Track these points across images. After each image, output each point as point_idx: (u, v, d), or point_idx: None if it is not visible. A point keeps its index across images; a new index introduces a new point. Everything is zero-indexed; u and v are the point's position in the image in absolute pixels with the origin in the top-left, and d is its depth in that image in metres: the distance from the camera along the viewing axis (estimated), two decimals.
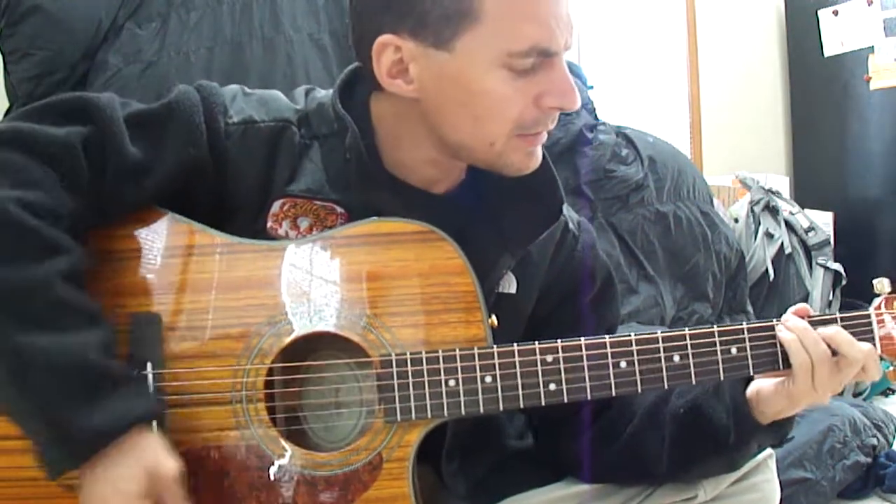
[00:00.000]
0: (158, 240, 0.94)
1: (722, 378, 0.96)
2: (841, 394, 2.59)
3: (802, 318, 0.97)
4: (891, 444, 2.25)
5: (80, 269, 0.87)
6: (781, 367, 0.96)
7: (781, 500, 1.10)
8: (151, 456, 0.84)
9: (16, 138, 0.88)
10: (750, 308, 2.59)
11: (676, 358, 0.95)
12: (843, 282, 2.86)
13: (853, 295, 1.02)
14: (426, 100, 0.94)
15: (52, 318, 0.83)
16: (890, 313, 0.99)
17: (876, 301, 1.00)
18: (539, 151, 0.98)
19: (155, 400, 0.88)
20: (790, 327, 0.95)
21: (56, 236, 0.85)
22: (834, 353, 0.93)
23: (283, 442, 0.92)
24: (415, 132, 0.98)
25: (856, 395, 2.71)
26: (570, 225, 1.12)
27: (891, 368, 1.00)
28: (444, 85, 0.92)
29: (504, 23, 0.89)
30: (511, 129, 0.93)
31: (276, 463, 0.91)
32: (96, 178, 0.90)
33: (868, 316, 0.98)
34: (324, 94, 1.04)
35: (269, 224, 0.97)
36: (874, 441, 2.17)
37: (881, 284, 1.01)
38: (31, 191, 0.85)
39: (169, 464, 0.84)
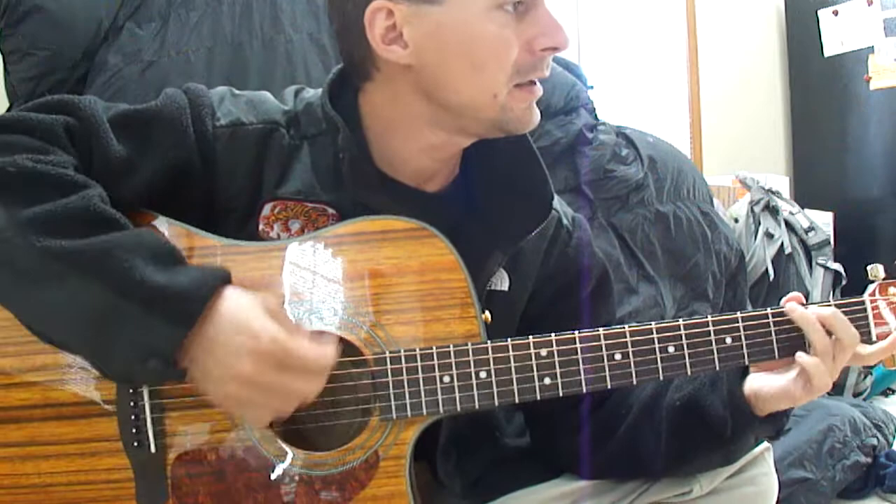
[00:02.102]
0: None
1: (717, 368, 0.96)
2: (841, 394, 2.59)
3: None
4: (891, 444, 2.25)
5: (108, 199, 0.87)
6: (777, 356, 0.96)
7: (781, 500, 1.10)
8: (250, 296, 0.83)
9: (12, 124, 0.89)
10: (750, 308, 2.58)
11: (671, 349, 0.95)
12: (843, 282, 2.85)
13: (853, 295, 1.02)
14: (423, 63, 0.93)
15: (104, 226, 0.83)
16: (884, 299, 0.99)
17: (870, 287, 1.01)
18: (536, 107, 0.98)
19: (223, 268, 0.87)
20: (798, 316, 0.96)
21: (77, 176, 0.87)
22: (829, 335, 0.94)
23: (279, 442, 0.92)
24: (411, 114, 0.97)
25: (856, 395, 2.70)
26: (564, 221, 1.12)
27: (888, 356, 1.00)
28: (440, 39, 0.92)
29: None
30: (509, 75, 0.93)
31: (274, 463, 0.91)
32: (85, 165, 0.90)
33: (863, 302, 0.99)
34: (312, 93, 1.04)
35: (260, 227, 0.97)
36: (874, 441, 2.17)
37: (875, 270, 1.01)
38: (38, 153, 0.86)
39: (268, 297, 0.85)
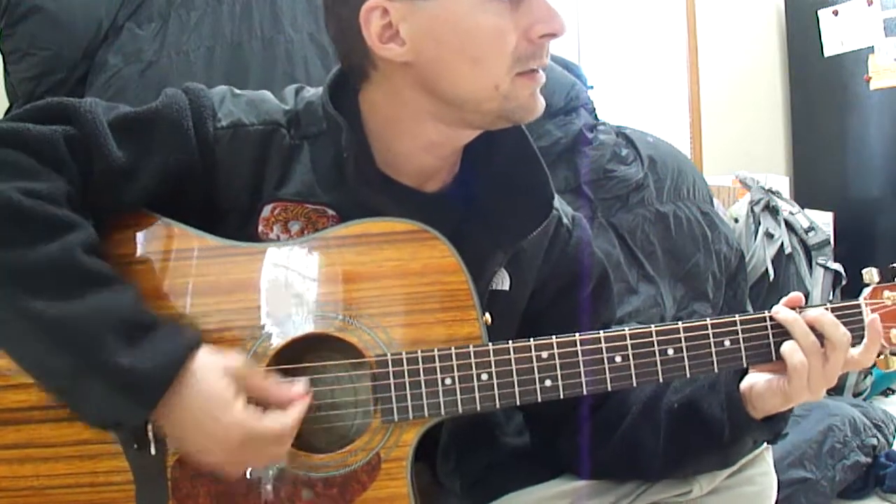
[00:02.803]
0: (151, 245, 0.93)
1: (716, 370, 0.96)
2: (841, 394, 2.59)
3: (794, 307, 0.97)
4: (891, 444, 2.25)
5: (95, 241, 0.87)
6: (775, 358, 0.96)
7: (781, 499, 1.10)
8: (219, 363, 0.86)
9: (5, 137, 0.88)
10: (750, 308, 2.58)
11: (670, 351, 0.95)
12: (843, 282, 2.85)
13: (853, 295, 1.02)
14: (421, 59, 0.93)
15: (80, 285, 0.83)
16: (878, 302, 0.99)
17: (865, 291, 1.01)
18: (540, 94, 0.97)
19: (189, 327, 0.89)
20: (782, 318, 0.96)
21: (65, 215, 0.86)
22: (820, 338, 0.94)
23: None
24: (412, 110, 0.97)
25: (856, 395, 2.70)
26: (564, 220, 1.12)
27: (882, 357, 1.00)
28: (436, 34, 0.91)
29: None
30: (509, 64, 0.92)
31: (275, 465, 0.91)
32: (84, 176, 0.90)
33: (858, 305, 0.99)
34: (313, 92, 1.04)
35: (260, 228, 0.97)
36: (874, 441, 2.17)
37: (870, 274, 1.02)
38: (29, 181, 0.85)
39: (236, 359, 0.87)
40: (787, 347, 0.94)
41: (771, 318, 0.97)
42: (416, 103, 0.96)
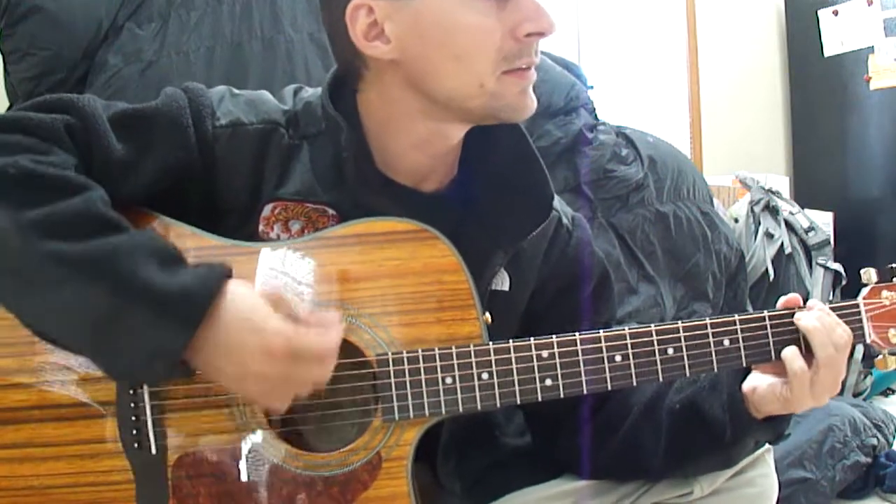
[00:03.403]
0: None
1: (716, 369, 0.97)
2: (841, 394, 2.59)
3: (792, 307, 0.97)
4: (891, 444, 2.25)
5: (109, 201, 0.87)
6: (774, 357, 0.96)
7: (781, 499, 1.10)
8: (253, 289, 0.85)
9: (12, 124, 0.88)
10: (750, 308, 2.58)
11: (670, 350, 0.96)
12: (843, 282, 2.85)
13: (853, 295, 1.02)
14: (407, 57, 0.93)
15: (107, 228, 0.83)
16: (877, 302, 1.00)
17: (864, 291, 1.01)
18: (531, 95, 0.96)
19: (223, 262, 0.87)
20: (802, 326, 0.96)
21: (79, 177, 0.86)
22: None
23: (281, 443, 0.92)
24: (402, 109, 0.97)
25: (856, 395, 2.70)
26: (564, 220, 1.12)
27: (880, 357, 1.00)
28: (422, 32, 0.91)
29: None
30: (495, 63, 0.91)
31: (275, 464, 0.91)
32: (84, 164, 0.90)
33: (857, 305, 0.99)
34: (311, 92, 1.04)
35: (260, 227, 0.97)
36: (874, 441, 2.17)
37: (868, 274, 1.02)
38: (39, 154, 0.86)
39: (271, 288, 0.87)
40: (788, 353, 0.94)
41: (770, 318, 0.97)
42: (406, 101, 0.96)
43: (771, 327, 0.97)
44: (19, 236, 0.80)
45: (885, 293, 1.01)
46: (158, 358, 0.81)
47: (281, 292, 0.87)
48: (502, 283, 1.05)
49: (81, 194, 0.84)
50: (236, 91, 1.03)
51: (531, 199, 1.04)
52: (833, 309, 0.98)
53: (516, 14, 0.91)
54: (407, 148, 0.99)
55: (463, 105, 0.94)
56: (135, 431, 0.89)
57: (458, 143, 1.02)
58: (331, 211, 0.98)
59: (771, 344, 0.97)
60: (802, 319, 0.96)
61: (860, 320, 1.00)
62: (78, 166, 0.88)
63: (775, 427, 1.00)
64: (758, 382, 0.98)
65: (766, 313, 0.97)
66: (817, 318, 0.95)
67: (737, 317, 0.97)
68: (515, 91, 0.94)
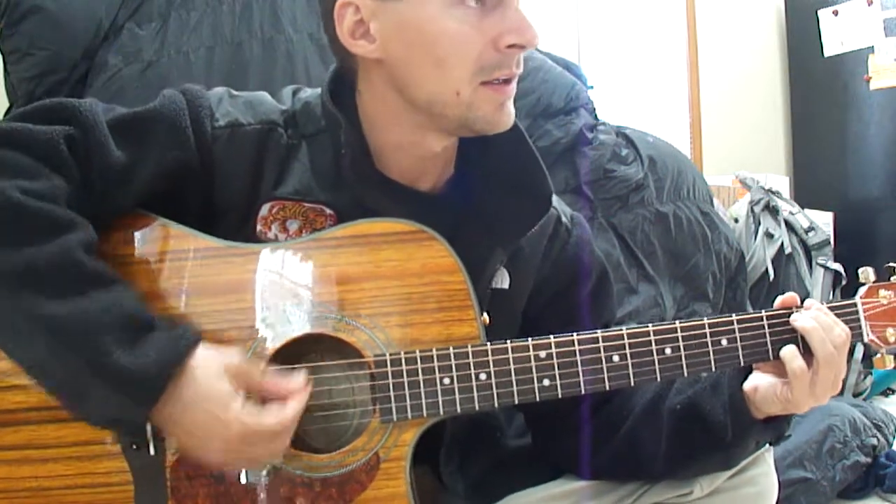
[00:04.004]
0: (148, 245, 0.93)
1: (714, 369, 0.97)
2: (841, 394, 2.59)
3: (790, 307, 0.97)
4: (891, 444, 2.25)
5: (93, 241, 0.88)
6: (772, 357, 0.96)
7: (781, 499, 1.10)
8: (217, 360, 0.86)
9: (5, 138, 0.88)
10: (750, 308, 2.58)
11: (668, 350, 0.96)
12: (843, 282, 2.85)
13: (853, 295, 1.02)
14: (390, 58, 0.94)
15: (79, 284, 0.84)
16: (874, 301, 1.00)
17: (862, 290, 1.02)
18: (511, 108, 0.96)
19: (188, 326, 0.89)
20: (799, 326, 0.96)
21: (65, 214, 0.86)
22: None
23: None
24: (390, 108, 0.97)
25: (856, 395, 2.70)
26: (563, 219, 1.12)
27: (878, 356, 1.00)
28: (404, 34, 0.92)
29: None
30: (473, 72, 0.92)
31: (273, 465, 0.91)
32: (84, 176, 0.90)
33: (854, 304, 0.99)
34: (310, 93, 1.04)
35: (258, 227, 0.97)
36: (874, 441, 2.17)
37: (866, 273, 1.02)
38: (29, 180, 0.86)
39: (232, 356, 0.88)
40: (787, 353, 0.94)
41: (768, 318, 0.97)
42: (390, 102, 0.97)
43: (769, 327, 0.97)
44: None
45: (882, 292, 1.01)
46: (122, 423, 0.86)
47: (240, 362, 0.88)
48: (502, 281, 1.05)
49: (64, 236, 0.84)
50: (235, 92, 1.03)
51: (529, 195, 1.04)
52: (831, 308, 0.98)
53: (500, 24, 0.91)
54: (393, 147, 1.00)
55: (442, 111, 0.94)
56: (134, 431, 0.89)
57: (443, 151, 1.01)
58: (328, 210, 0.98)
59: (769, 343, 0.97)
60: (799, 320, 0.96)
61: (858, 319, 1.00)
62: (70, 193, 0.88)
63: (776, 428, 1.00)
64: (759, 382, 0.98)
65: (763, 313, 0.97)
66: (814, 317, 0.95)
67: (734, 316, 0.97)
68: (492, 104, 0.94)
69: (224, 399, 0.84)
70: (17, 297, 0.82)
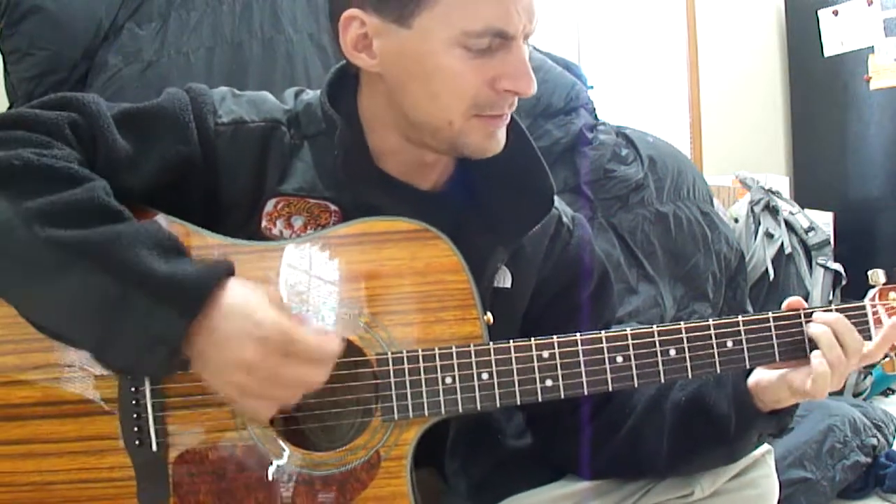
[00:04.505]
0: None
1: (718, 371, 0.97)
2: (841, 393, 2.59)
3: (797, 309, 0.97)
4: (891, 444, 2.25)
5: (111, 193, 0.87)
6: (778, 359, 0.96)
7: (781, 499, 1.10)
8: (254, 287, 0.84)
9: (15, 121, 0.89)
10: (750, 308, 2.58)
11: (672, 352, 0.95)
12: (843, 282, 2.85)
13: (853, 295, 1.03)
14: (388, 76, 0.95)
15: (109, 217, 0.84)
16: (884, 304, 0.99)
17: (871, 293, 1.01)
18: (501, 135, 0.98)
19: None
20: (812, 332, 0.96)
21: (82, 169, 0.87)
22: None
23: (280, 442, 0.92)
24: (386, 114, 0.99)
25: (856, 395, 2.70)
26: (564, 219, 1.12)
27: (888, 360, 1.00)
28: (404, 61, 0.93)
29: (461, 2, 0.90)
30: (466, 107, 0.93)
31: (274, 463, 0.91)
32: (89, 160, 0.90)
33: (863, 307, 0.99)
34: (312, 94, 1.05)
35: (263, 223, 0.98)
36: (874, 441, 2.17)
37: (876, 276, 1.01)
38: (42, 148, 0.87)
39: (272, 289, 0.86)
40: (816, 363, 0.94)
41: (774, 319, 0.97)
42: (389, 111, 0.98)
43: (775, 329, 0.97)
44: (22, 225, 0.80)
45: (893, 295, 1.00)
46: (159, 344, 0.80)
47: (284, 295, 0.86)
48: (504, 280, 1.05)
49: (84, 185, 0.85)
50: (238, 92, 1.04)
51: (531, 194, 1.04)
52: (839, 311, 0.97)
53: (500, 67, 0.92)
54: (392, 149, 1.01)
55: (434, 134, 0.96)
56: (136, 428, 0.89)
57: (433, 162, 1.02)
58: (333, 207, 0.99)
59: (775, 346, 0.97)
60: (812, 327, 0.96)
61: (867, 322, 0.99)
62: (81, 161, 0.89)
63: (779, 420, 1.00)
64: (761, 376, 0.98)
65: (770, 314, 0.97)
66: (831, 321, 0.95)
67: (740, 318, 0.97)
68: (482, 133, 0.96)
69: (263, 305, 0.82)
70: (45, 232, 0.80)
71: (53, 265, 0.80)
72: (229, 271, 0.84)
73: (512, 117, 1.01)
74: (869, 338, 0.98)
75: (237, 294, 0.82)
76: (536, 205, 1.05)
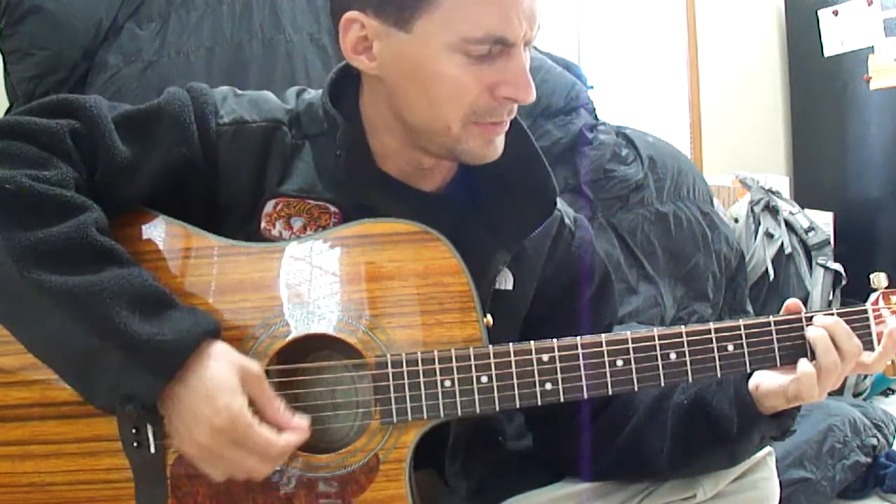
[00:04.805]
0: (152, 243, 0.94)
1: (719, 375, 0.96)
2: (841, 393, 2.59)
3: (797, 313, 0.97)
4: (891, 444, 2.24)
5: (105, 223, 0.88)
6: (779, 364, 0.96)
7: (781, 499, 1.10)
8: (235, 356, 0.85)
9: (12, 129, 0.89)
10: (750, 308, 2.59)
11: (673, 356, 0.95)
12: (843, 282, 2.85)
13: (853, 295, 1.01)
14: (387, 79, 0.95)
15: (96, 260, 0.84)
16: (888, 308, 0.99)
17: (873, 296, 1.01)
18: (500, 141, 0.98)
19: (210, 315, 0.88)
20: (810, 336, 0.96)
21: (75, 197, 0.87)
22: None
23: None
24: (386, 116, 0.99)
25: (856, 395, 2.70)
26: (566, 220, 1.12)
27: (889, 364, 1.00)
28: (402, 65, 0.93)
29: (461, 8, 0.89)
30: (465, 114, 0.93)
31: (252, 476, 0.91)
32: (89, 171, 0.91)
33: (865, 311, 0.98)
34: (314, 94, 1.05)
35: (262, 224, 0.98)
36: (874, 441, 2.17)
37: (878, 279, 1.01)
38: (38, 169, 0.86)
39: (253, 364, 0.86)
40: (803, 365, 0.94)
41: (775, 323, 0.97)
42: (389, 114, 0.98)
43: (776, 333, 0.97)
44: (11, 259, 0.82)
45: (894, 298, 1.00)
46: (131, 402, 0.83)
47: (259, 373, 0.86)
48: (506, 282, 1.05)
49: (76, 217, 0.85)
50: (239, 91, 1.04)
51: (534, 196, 1.04)
52: (840, 314, 0.97)
53: (500, 74, 0.92)
54: (393, 150, 1.01)
55: (432, 139, 0.96)
56: (134, 430, 0.89)
57: (434, 164, 1.02)
58: (333, 208, 0.99)
59: (776, 350, 0.96)
60: (810, 330, 0.96)
61: (868, 326, 0.99)
62: (79, 179, 0.89)
63: (781, 422, 1.00)
64: (761, 380, 0.98)
65: (771, 319, 0.97)
66: (829, 325, 0.95)
67: (742, 322, 0.96)
68: (480, 140, 0.96)
69: (227, 390, 0.83)
70: (30, 272, 0.81)
71: (35, 307, 0.83)
72: (211, 331, 0.85)
73: (514, 119, 1.01)
74: (870, 342, 0.98)
75: (209, 368, 0.83)
76: (539, 207, 1.05)
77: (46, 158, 0.88)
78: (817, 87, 3.89)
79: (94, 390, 0.85)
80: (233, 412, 0.82)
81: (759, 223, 2.84)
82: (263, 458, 0.84)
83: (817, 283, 2.84)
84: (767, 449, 1.07)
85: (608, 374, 0.94)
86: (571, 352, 0.94)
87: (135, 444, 0.89)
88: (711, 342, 0.96)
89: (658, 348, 0.95)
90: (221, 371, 0.83)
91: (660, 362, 0.95)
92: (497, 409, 0.93)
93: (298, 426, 0.86)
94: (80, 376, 0.85)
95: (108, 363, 0.82)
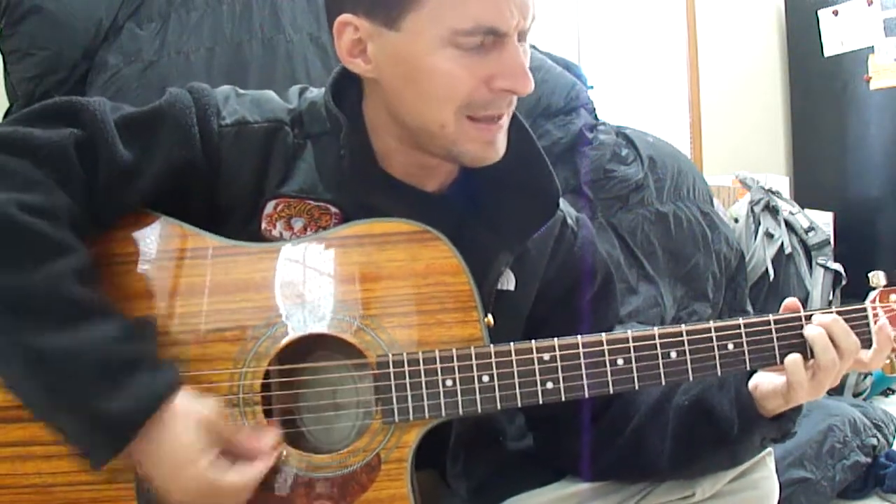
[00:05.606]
0: (152, 244, 0.94)
1: (719, 373, 0.96)
2: (841, 393, 2.59)
3: (796, 311, 0.97)
4: (891, 444, 2.25)
5: (87, 265, 0.87)
6: (778, 362, 0.96)
7: (781, 500, 1.10)
8: (193, 412, 0.86)
9: (9, 142, 0.88)
10: (750, 308, 2.58)
11: (673, 354, 0.95)
12: (843, 282, 2.85)
13: (853, 295, 1.03)
14: (383, 80, 0.95)
15: (66, 317, 0.84)
16: (885, 306, 0.99)
17: (872, 294, 1.01)
18: (500, 142, 0.97)
19: (171, 368, 0.88)
20: (808, 335, 0.96)
21: (60, 236, 0.86)
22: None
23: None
24: (386, 117, 0.98)
25: (856, 395, 2.70)
26: (569, 220, 1.12)
27: (888, 362, 1.00)
28: (397, 65, 0.93)
29: (448, 1, 0.89)
30: (459, 108, 0.92)
31: (275, 465, 0.91)
32: (89, 180, 0.90)
33: (864, 309, 0.99)
34: (317, 93, 1.05)
35: (263, 225, 0.97)
36: (874, 441, 2.17)
37: (877, 278, 1.01)
38: (29, 193, 0.85)
39: (211, 407, 0.87)
40: (791, 364, 0.94)
41: (775, 322, 0.97)
42: (388, 115, 0.98)
43: (776, 332, 0.97)
44: None
45: (893, 297, 1.00)
46: (91, 458, 0.84)
47: (217, 417, 0.87)
48: (508, 282, 1.05)
49: (54, 261, 0.84)
50: (241, 91, 1.03)
51: (536, 197, 1.04)
52: (840, 313, 0.97)
53: (496, 66, 0.91)
54: (395, 151, 1.00)
55: (430, 140, 0.95)
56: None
57: (436, 165, 1.02)
58: (334, 209, 0.98)
59: (776, 349, 0.96)
60: (808, 328, 0.96)
61: (867, 324, 0.99)
62: (73, 206, 0.88)
63: (781, 425, 1.00)
64: (760, 380, 0.98)
65: (771, 317, 0.97)
66: (826, 323, 0.95)
67: (741, 321, 0.96)
68: (479, 142, 0.95)
69: (193, 453, 0.84)
70: (2, 318, 0.82)
71: (4, 351, 0.83)
72: (172, 388, 0.86)
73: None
74: (869, 340, 0.98)
75: (170, 432, 0.84)
76: (541, 208, 1.04)
77: (41, 183, 0.87)
78: (817, 87, 3.89)
79: (65, 440, 0.86)
80: (205, 476, 0.85)
81: (759, 223, 2.84)
82: (240, 495, 0.87)
83: (817, 283, 2.84)
84: (767, 448, 1.07)
85: (609, 373, 0.94)
86: (572, 351, 0.94)
87: None
88: (711, 340, 0.96)
89: (658, 347, 0.95)
90: (185, 434, 0.85)
91: (660, 361, 0.95)
92: (498, 407, 0.93)
93: (267, 449, 0.89)
94: (49, 426, 0.86)
95: (66, 423, 0.84)
